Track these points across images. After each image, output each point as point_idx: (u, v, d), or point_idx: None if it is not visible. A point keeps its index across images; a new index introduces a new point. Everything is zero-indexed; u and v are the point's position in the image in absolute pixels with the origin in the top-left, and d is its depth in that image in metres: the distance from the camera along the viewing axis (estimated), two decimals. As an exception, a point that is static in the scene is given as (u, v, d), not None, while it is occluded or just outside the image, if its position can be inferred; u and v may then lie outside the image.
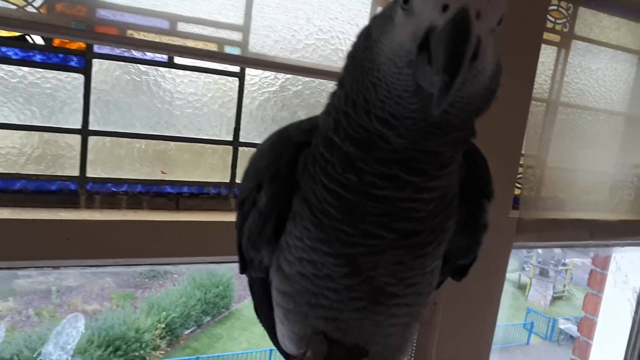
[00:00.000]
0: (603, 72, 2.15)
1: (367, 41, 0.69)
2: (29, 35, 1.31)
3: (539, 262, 16.55)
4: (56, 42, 1.33)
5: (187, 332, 11.81)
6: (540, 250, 14.72)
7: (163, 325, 11.05)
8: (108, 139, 1.43)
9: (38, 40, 1.33)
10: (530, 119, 1.92)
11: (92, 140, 1.40)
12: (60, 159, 1.39)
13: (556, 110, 2.07)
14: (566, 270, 16.75)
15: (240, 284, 12.52)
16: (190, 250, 1.44)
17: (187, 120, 1.50)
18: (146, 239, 1.37)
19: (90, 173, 1.41)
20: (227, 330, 12.30)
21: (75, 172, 1.40)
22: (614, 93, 2.20)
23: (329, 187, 0.72)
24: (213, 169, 1.58)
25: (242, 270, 0.93)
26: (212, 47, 1.46)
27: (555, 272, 16.50)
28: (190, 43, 1.43)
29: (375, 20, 0.71)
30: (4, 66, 1.29)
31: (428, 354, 1.85)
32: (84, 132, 1.39)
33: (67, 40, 1.33)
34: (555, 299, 16.47)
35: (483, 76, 0.63)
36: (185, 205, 1.52)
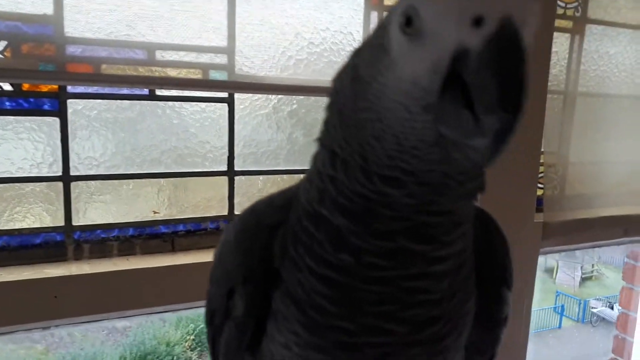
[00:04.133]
0: (623, 56, 1.98)
1: (355, 85, 0.54)
2: (-4, 82, 1.21)
3: (565, 243, 16.14)
4: (26, 85, 1.23)
5: (216, 342, 11.79)
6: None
7: (192, 337, 11.05)
8: (92, 183, 1.33)
9: (6, 85, 1.23)
10: (547, 113, 1.77)
11: (75, 186, 1.30)
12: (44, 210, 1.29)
13: (574, 102, 1.92)
14: (593, 249, 16.35)
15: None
16: (189, 296, 1.33)
17: (176, 154, 1.40)
18: (141, 289, 1.27)
19: (76, 221, 1.32)
20: (255, 337, 12.29)
21: (61, 222, 1.30)
22: (638, 77, 2.03)
23: (318, 272, 0.58)
24: (209, 202, 1.47)
25: None
26: (196, 73, 1.35)
27: (582, 252, 16.10)
28: (171, 72, 1.32)
29: (359, 55, 0.56)
30: (-27, 117, 1.20)
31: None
32: (66, 178, 1.29)
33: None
34: (584, 279, 16.08)
35: None
36: (182, 245, 1.41)
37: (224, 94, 1.42)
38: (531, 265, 1.81)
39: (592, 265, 16.49)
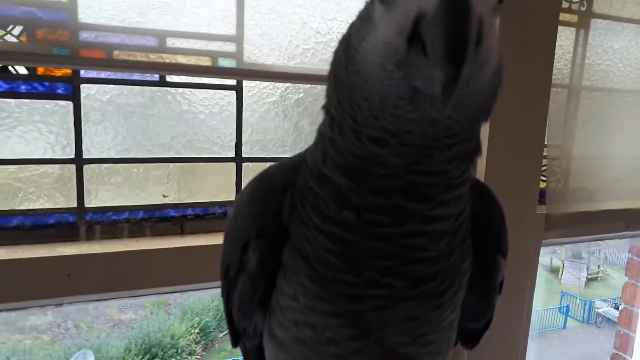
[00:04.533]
0: (627, 51, 2.00)
1: (347, 52, 0.59)
2: (12, 66, 1.25)
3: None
4: (40, 70, 1.27)
5: (221, 335, 11.84)
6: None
7: (197, 330, 11.10)
8: (104, 166, 1.37)
9: (21, 69, 1.27)
10: (551, 107, 1.79)
11: (87, 168, 1.34)
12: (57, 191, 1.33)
13: (579, 96, 1.93)
14: (599, 250, 16.26)
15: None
16: (198, 277, 1.37)
17: (185, 139, 1.43)
18: (150, 269, 1.31)
19: (88, 203, 1.35)
20: (260, 331, 12.32)
21: (73, 204, 1.34)
22: (642, 71, 2.04)
23: (324, 229, 0.62)
24: (217, 188, 1.50)
25: (235, 344, 0.83)
26: (205, 61, 1.38)
27: (588, 253, 16.02)
28: (181, 59, 1.35)
29: (352, 26, 0.62)
30: (-10, 100, 1.24)
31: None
32: (78, 161, 1.33)
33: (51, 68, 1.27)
34: (590, 280, 16.00)
35: (487, 69, 0.53)
36: (191, 229, 1.45)
37: (233, 82, 1.45)
38: (533, 256, 1.83)
39: (598, 266, 16.41)
